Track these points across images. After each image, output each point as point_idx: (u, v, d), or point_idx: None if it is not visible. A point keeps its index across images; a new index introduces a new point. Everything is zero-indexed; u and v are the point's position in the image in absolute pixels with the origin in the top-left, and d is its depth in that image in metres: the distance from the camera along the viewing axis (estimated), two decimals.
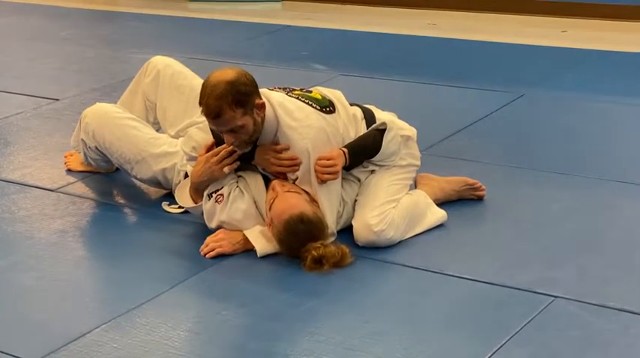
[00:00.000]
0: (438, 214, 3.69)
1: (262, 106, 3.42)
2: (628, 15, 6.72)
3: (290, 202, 3.42)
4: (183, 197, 3.70)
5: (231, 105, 3.35)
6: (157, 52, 4.38)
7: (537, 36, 6.39)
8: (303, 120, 3.49)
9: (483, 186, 3.88)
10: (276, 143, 3.50)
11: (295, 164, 3.48)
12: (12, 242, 3.72)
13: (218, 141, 3.54)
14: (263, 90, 3.53)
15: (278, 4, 7.81)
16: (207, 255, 3.48)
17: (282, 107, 3.49)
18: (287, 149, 3.49)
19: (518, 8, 7.00)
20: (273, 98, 3.50)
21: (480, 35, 6.44)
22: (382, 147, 3.58)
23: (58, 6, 7.95)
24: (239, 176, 3.60)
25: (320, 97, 3.60)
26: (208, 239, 3.52)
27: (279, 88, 3.64)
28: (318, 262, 3.35)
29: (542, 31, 6.55)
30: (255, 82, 3.44)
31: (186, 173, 3.78)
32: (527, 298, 3.15)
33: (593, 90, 5.25)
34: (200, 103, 3.39)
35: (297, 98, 3.56)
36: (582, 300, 3.11)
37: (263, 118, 3.46)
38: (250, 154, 3.54)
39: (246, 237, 3.52)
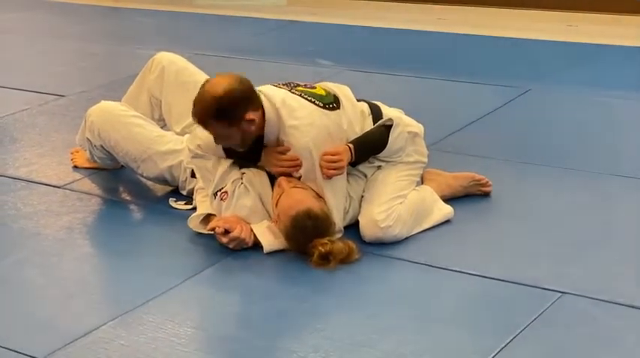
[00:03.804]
0: (445, 210, 3.68)
1: (252, 121, 3.40)
2: (634, 9, 6.69)
3: (297, 198, 3.41)
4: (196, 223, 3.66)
5: (213, 119, 3.36)
6: (163, 48, 4.37)
7: (543, 30, 6.37)
8: (304, 119, 3.47)
9: (490, 182, 3.86)
10: (281, 143, 3.49)
11: (295, 165, 3.47)
12: (18, 239, 3.72)
13: None
14: (266, 89, 3.52)
15: (283, 0, 7.79)
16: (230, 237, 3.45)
17: (285, 106, 3.47)
18: (289, 150, 3.47)
19: (525, 3, 6.98)
20: (276, 98, 3.48)
21: (486, 30, 6.42)
22: (389, 144, 3.57)
23: (65, 2, 7.96)
24: (243, 172, 3.59)
25: (324, 93, 3.58)
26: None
27: (283, 84, 3.63)
28: (325, 258, 3.34)
29: (549, 26, 6.53)
30: (250, 95, 3.40)
31: (192, 171, 3.78)
32: (535, 294, 3.14)
33: (600, 85, 5.22)
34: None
35: (300, 95, 3.54)
36: (591, 296, 3.10)
37: (263, 123, 3.44)
38: (258, 156, 3.54)
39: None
